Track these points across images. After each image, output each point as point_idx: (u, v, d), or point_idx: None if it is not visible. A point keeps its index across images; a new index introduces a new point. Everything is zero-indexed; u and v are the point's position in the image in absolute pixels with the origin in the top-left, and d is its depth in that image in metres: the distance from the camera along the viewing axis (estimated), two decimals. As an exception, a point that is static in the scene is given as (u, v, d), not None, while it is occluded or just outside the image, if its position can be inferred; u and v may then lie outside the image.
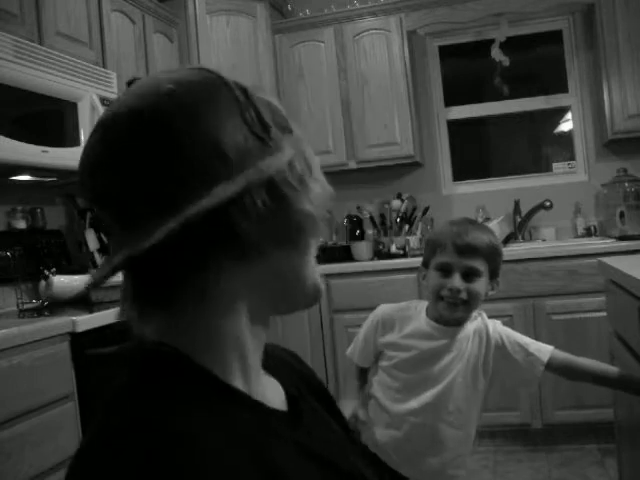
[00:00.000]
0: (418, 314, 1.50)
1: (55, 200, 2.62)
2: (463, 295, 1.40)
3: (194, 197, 0.49)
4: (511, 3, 3.22)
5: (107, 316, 1.92)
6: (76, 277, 2.34)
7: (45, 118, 2.16)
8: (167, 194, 0.50)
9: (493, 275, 1.45)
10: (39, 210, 2.46)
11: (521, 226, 3.40)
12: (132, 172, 0.50)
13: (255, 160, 0.52)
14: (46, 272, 2.27)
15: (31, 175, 2.27)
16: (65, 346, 1.75)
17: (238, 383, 0.55)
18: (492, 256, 1.43)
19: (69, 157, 2.20)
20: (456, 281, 1.39)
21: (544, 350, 1.44)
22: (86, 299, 2.24)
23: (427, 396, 1.41)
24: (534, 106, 3.55)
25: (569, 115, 3.53)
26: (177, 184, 0.50)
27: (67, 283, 2.28)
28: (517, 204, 3.39)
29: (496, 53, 3.41)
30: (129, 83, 0.61)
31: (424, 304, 1.53)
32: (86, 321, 1.82)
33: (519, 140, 3.73)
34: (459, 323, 1.45)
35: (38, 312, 2.12)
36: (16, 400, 1.56)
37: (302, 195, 0.56)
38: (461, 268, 1.40)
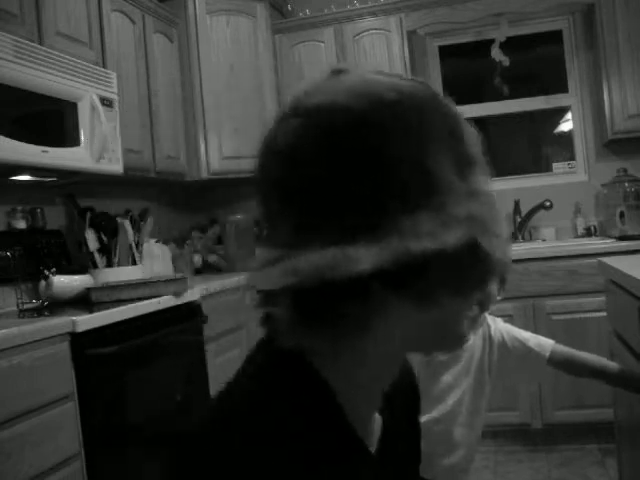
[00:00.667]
0: None
1: (55, 200, 2.62)
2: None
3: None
4: (511, 3, 3.22)
5: (107, 316, 1.92)
6: (76, 277, 2.34)
7: (45, 118, 2.16)
8: (378, 212, 0.45)
9: (502, 280, 1.45)
10: (39, 210, 2.46)
11: (521, 226, 3.40)
12: (349, 176, 0.45)
13: (459, 199, 0.47)
14: (46, 272, 2.27)
15: (31, 175, 2.27)
16: (65, 346, 1.75)
17: (357, 422, 0.53)
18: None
19: (69, 157, 2.20)
20: None
21: (545, 345, 1.43)
22: (86, 299, 2.24)
23: (444, 406, 1.40)
24: (534, 106, 3.55)
25: (569, 115, 3.53)
26: (389, 203, 0.45)
27: (67, 283, 2.28)
28: (517, 204, 3.39)
29: (496, 53, 3.41)
30: (335, 72, 0.52)
31: None
32: (86, 321, 1.82)
33: (519, 140, 3.73)
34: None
35: (38, 312, 2.12)
36: (16, 400, 1.56)
37: (496, 242, 0.49)
38: None
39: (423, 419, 1.36)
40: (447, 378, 1.41)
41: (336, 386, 0.50)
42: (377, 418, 0.59)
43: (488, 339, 1.45)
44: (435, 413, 1.39)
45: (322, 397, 0.50)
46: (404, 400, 0.67)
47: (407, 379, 0.70)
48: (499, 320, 1.50)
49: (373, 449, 0.56)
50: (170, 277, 2.50)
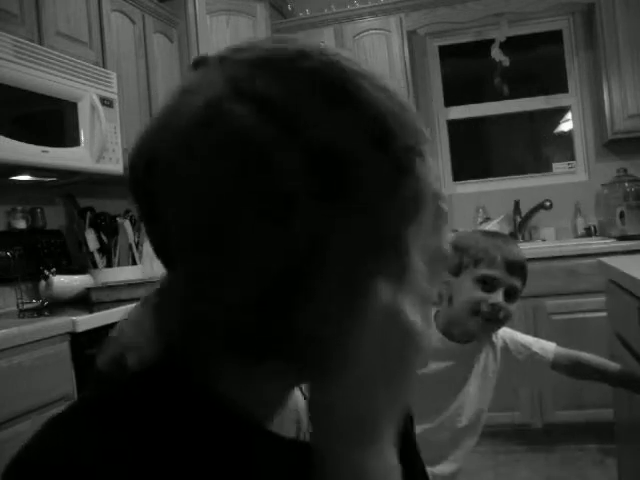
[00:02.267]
0: None
1: (55, 200, 2.62)
2: (502, 314, 1.31)
3: None
4: (511, 3, 3.22)
5: (107, 316, 1.92)
6: (76, 277, 2.34)
7: (45, 118, 2.16)
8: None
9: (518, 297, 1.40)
10: (39, 210, 2.46)
11: (521, 226, 3.40)
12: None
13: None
14: (46, 272, 2.27)
15: (31, 175, 2.27)
16: (65, 346, 1.75)
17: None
18: (526, 277, 1.36)
19: (69, 157, 2.20)
20: (500, 297, 1.30)
21: (548, 349, 1.42)
22: (86, 299, 2.24)
23: (443, 416, 1.36)
24: (534, 106, 3.55)
25: (569, 115, 3.53)
26: None
27: (67, 283, 2.28)
28: (517, 204, 3.39)
29: (496, 53, 3.41)
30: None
31: None
32: (86, 321, 1.82)
33: (519, 140, 3.73)
34: (471, 339, 1.37)
35: (38, 312, 2.12)
36: (16, 400, 1.56)
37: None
38: (507, 286, 1.31)
39: (422, 428, 1.30)
40: (446, 387, 1.37)
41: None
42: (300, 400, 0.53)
43: (490, 345, 1.43)
44: (429, 424, 1.35)
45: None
46: None
47: None
48: None
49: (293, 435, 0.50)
50: (170, 277, 2.50)
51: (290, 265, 0.38)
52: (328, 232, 0.38)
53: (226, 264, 0.39)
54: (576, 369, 1.43)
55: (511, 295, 1.32)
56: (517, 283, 1.32)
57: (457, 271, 1.35)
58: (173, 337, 0.45)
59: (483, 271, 1.31)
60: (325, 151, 0.38)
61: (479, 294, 1.31)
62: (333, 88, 0.39)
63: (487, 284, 1.31)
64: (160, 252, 0.44)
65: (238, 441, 0.44)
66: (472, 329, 1.34)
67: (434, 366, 1.34)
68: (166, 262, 0.44)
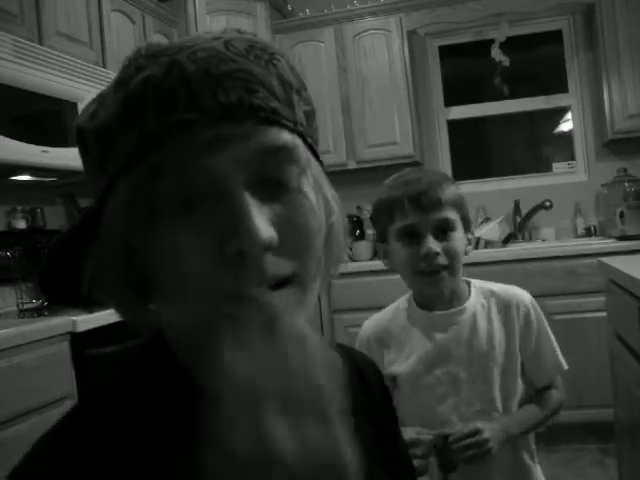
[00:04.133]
0: (407, 316, 1.26)
1: (55, 200, 2.62)
2: (442, 259, 1.13)
3: None
4: (511, 3, 3.22)
5: (107, 316, 1.91)
6: (76, 277, 2.33)
7: (45, 118, 2.16)
8: None
9: (466, 226, 1.20)
10: (39, 210, 2.46)
11: (521, 226, 3.40)
12: None
13: None
14: (46, 272, 2.27)
15: (31, 175, 2.27)
16: (65, 346, 1.75)
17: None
18: (459, 202, 1.18)
19: (69, 157, 2.20)
20: (429, 243, 1.12)
21: (558, 368, 1.28)
22: (86, 299, 2.24)
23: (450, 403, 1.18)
24: (534, 106, 3.55)
25: (569, 115, 3.53)
26: None
27: (67, 283, 2.28)
28: (517, 204, 3.39)
29: (496, 53, 3.41)
30: None
31: (405, 297, 1.29)
32: (86, 321, 1.82)
33: (519, 140, 3.73)
34: (452, 300, 1.20)
35: (38, 312, 2.12)
36: (16, 400, 1.56)
37: None
38: (431, 226, 1.13)
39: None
40: (450, 367, 1.19)
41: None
42: None
43: (502, 307, 1.23)
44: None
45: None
46: (363, 397, 0.62)
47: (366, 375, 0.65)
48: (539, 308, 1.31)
49: None
50: (170, 277, 2.50)
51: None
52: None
53: None
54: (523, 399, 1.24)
55: (443, 232, 1.14)
56: (443, 215, 1.13)
57: (383, 236, 1.21)
58: None
59: (397, 224, 1.15)
60: (96, 124, 0.45)
61: (407, 251, 1.15)
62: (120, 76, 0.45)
63: (409, 236, 1.15)
64: None
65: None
66: (426, 291, 1.19)
67: (426, 345, 1.20)
68: None
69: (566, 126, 3.57)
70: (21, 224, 2.37)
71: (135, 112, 0.42)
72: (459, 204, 1.18)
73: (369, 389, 0.65)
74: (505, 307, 1.24)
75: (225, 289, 0.41)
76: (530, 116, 3.64)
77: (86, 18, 2.44)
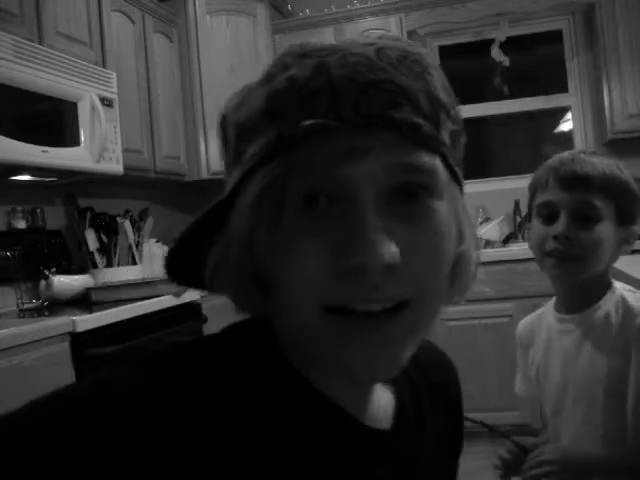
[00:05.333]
0: (547, 314, 1.14)
1: (55, 200, 2.62)
2: (574, 249, 0.99)
3: None
4: (511, 3, 3.22)
5: (107, 316, 1.92)
6: (76, 277, 2.34)
7: (45, 118, 2.16)
8: None
9: (624, 220, 1.03)
10: (39, 210, 2.46)
11: (521, 226, 3.40)
12: None
13: None
14: (46, 272, 2.27)
15: (31, 175, 2.27)
16: (65, 346, 1.75)
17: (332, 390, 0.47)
18: (617, 190, 1.01)
19: (69, 157, 2.20)
20: (561, 226, 0.99)
21: None
22: (86, 299, 2.24)
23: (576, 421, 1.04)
24: (534, 106, 3.55)
25: (569, 115, 3.53)
26: None
27: (67, 283, 2.28)
28: (517, 204, 3.39)
29: (496, 53, 3.41)
30: None
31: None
32: (86, 321, 1.82)
33: (519, 140, 3.73)
34: (583, 302, 1.06)
35: (38, 312, 2.12)
36: (16, 400, 1.55)
37: None
38: (570, 207, 1.00)
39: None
40: (577, 372, 1.06)
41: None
42: (386, 396, 0.53)
43: (628, 314, 1.04)
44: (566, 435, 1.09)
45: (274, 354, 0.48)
46: (444, 397, 0.62)
47: (445, 378, 0.64)
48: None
49: (379, 426, 0.51)
50: (170, 277, 2.50)
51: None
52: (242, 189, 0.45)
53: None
54: None
55: (583, 217, 1.00)
56: (586, 197, 0.99)
57: (529, 213, 1.12)
58: None
59: (538, 200, 1.05)
60: (237, 119, 0.45)
61: (540, 229, 1.04)
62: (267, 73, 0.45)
63: (547, 215, 1.04)
64: None
65: (321, 426, 0.46)
66: (551, 274, 1.06)
67: (552, 351, 1.09)
68: None
69: (566, 126, 3.57)
70: (21, 224, 2.37)
71: (276, 110, 0.41)
72: (616, 193, 1.01)
73: (451, 409, 0.63)
74: (630, 318, 1.03)
75: (335, 300, 0.41)
76: (530, 116, 3.63)
77: (86, 18, 2.44)
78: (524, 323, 1.22)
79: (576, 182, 1.00)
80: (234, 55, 3.34)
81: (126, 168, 2.49)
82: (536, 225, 1.06)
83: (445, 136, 0.44)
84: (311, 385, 0.47)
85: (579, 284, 1.05)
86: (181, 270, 0.51)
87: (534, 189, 1.08)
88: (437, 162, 0.43)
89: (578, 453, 1.05)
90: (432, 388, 0.59)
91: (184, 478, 0.38)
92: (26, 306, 2.22)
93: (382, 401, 0.53)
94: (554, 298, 1.16)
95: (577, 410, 1.05)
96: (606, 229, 1.01)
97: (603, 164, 1.02)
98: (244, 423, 0.42)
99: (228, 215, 0.45)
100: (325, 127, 0.40)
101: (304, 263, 0.41)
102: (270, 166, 0.41)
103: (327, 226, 0.41)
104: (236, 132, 0.45)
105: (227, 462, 0.40)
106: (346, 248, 0.39)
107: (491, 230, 3.25)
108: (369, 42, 0.43)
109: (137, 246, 2.69)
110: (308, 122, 0.40)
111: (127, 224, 2.65)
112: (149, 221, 2.84)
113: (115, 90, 2.45)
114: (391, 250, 0.39)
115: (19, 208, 2.38)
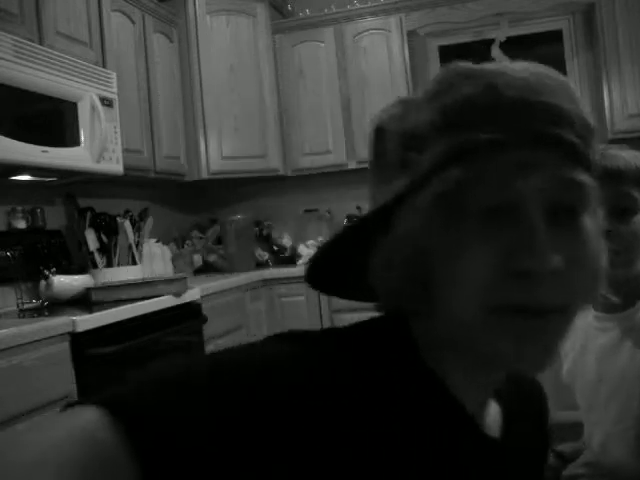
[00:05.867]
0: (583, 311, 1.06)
1: (55, 200, 2.62)
2: (613, 243, 0.91)
3: None
4: (511, 3, 3.22)
5: (107, 316, 1.92)
6: (76, 277, 2.34)
7: (45, 118, 2.16)
8: None
9: None
10: (39, 210, 2.46)
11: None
12: None
13: None
14: (46, 272, 2.27)
15: (31, 175, 2.27)
16: (65, 346, 1.75)
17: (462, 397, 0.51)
18: None
19: (69, 157, 2.20)
20: None
21: None
22: (86, 299, 2.24)
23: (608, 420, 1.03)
24: (534, 106, 3.55)
25: (569, 115, 3.53)
26: None
27: (67, 283, 2.28)
28: (517, 204, 3.39)
29: (496, 53, 3.41)
30: None
31: None
32: (86, 321, 1.82)
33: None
34: (631, 302, 1.01)
35: (38, 312, 2.12)
36: (16, 400, 1.55)
37: None
38: (606, 201, 0.99)
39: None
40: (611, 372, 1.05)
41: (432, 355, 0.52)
42: (494, 408, 0.58)
43: None
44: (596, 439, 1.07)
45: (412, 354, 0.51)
46: (531, 407, 0.69)
47: (533, 390, 0.71)
48: None
49: (491, 434, 0.55)
50: (170, 277, 2.51)
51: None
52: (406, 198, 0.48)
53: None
54: None
55: (626, 209, 0.97)
56: (622, 190, 0.97)
57: None
58: None
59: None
60: (410, 128, 0.48)
61: None
62: (434, 84, 0.50)
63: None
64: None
65: (447, 426, 0.50)
66: None
67: (588, 349, 1.07)
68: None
69: (566, 126, 3.57)
70: (21, 224, 2.37)
71: (453, 123, 0.46)
72: None
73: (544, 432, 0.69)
74: None
75: (504, 299, 0.44)
76: (530, 116, 3.63)
77: (86, 18, 2.44)
78: None
79: (610, 177, 0.97)
80: (234, 55, 3.34)
81: (126, 168, 2.49)
82: None
83: (594, 160, 0.49)
84: (443, 384, 0.50)
85: (621, 282, 1.01)
86: (324, 278, 0.55)
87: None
88: (589, 179, 0.47)
89: (611, 463, 1.04)
90: (525, 412, 0.64)
91: (315, 449, 0.43)
92: (26, 306, 2.22)
93: (492, 410, 0.57)
94: None
95: (610, 408, 1.04)
96: None
97: (633, 157, 1.02)
98: (374, 412, 0.46)
99: (390, 220, 0.49)
100: (500, 141, 0.44)
101: (476, 263, 0.45)
102: (448, 173, 0.45)
103: (498, 231, 0.45)
104: (402, 142, 0.49)
105: (354, 447, 0.44)
106: (520, 252, 0.44)
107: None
108: (525, 68, 0.48)
109: (137, 246, 2.69)
110: (486, 135, 0.44)
111: (127, 224, 2.65)
112: (149, 221, 2.84)
113: (115, 90, 2.45)
114: (558, 258, 0.44)
115: (19, 208, 2.38)
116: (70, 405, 0.42)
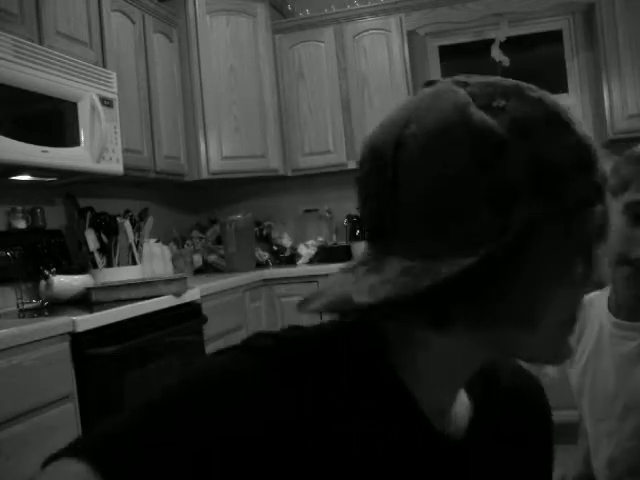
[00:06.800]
0: (598, 313, 1.04)
1: (55, 200, 2.62)
2: None
3: None
4: (511, 3, 3.22)
5: (107, 316, 1.92)
6: (76, 277, 2.34)
7: (45, 118, 2.16)
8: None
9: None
10: (39, 210, 2.46)
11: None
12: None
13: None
14: (46, 272, 2.27)
15: (31, 175, 2.27)
16: (65, 346, 1.75)
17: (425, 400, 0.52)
18: None
19: (69, 157, 2.20)
20: None
21: None
22: (86, 299, 2.24)
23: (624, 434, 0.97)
24: (534, 106, 3.55)
25: (569, 115, 3.53)
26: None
27: (67, 283, 2.28)
28: (517, 204, 3.39)
29: (496, 53, 3.41)
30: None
31: (606, 293, 1.04)
32: (86, 321, 1.82)
33: (519, 140, 3.73)
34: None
35: (38, 312, 2.12)
36: (16, 400, 1.56)
37: None
38: None
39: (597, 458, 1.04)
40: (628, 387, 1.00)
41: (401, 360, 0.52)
42: (465, 407, 0.57)
43: None
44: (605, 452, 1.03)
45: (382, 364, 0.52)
46: (531, 403, 0.68)
47: (525, 410, 0.66)
48: None
49: (453, 434, 0.55)
50: (170, 277, 2.50)
51: (498, 251, 0.44)
52: (537, 228, 0.45)
53: (449, 243, 0.45)
54: None
55: None
56: None
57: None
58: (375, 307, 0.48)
59: (628, 197, 0.94)
60: (548, 161, 0.46)
61: (624, 231, 0.93)
62: (554, 115, 0.48)
63: (635, 216, 0.93)
64: (375, 228, 0.50)
65: (406, 432, 0.51)
66: (621, 286, 0.96)
67: (603, 359, 1.02)
68: (377, 237, 0.50)
69: (566, 126, 3.57)
70: (21, 224, 2.37)
71: (587, 164, 0.48)
72: None
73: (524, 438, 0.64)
74: None
75: None
76: (530, 116, 3.63)
77: (86, 18, 2.44)
78: None
79: None
80: (234, 55, 3.34)
81: (126, 168, 2.49)
82: (619, 225, 0.95)
83: None
84: (409, 397, 0.51)
85: None
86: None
87: (626, 185, 0.97)
88: None
89: None
90: (507, 413, 0.62)
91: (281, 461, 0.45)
92: (26, 306, 2.22)
93: (460, 409, 0.57)
94: (605, 295, 1.05)
95: (626, 422, 0.98)
96: None
97: None
98: (331, 414, 0.48)
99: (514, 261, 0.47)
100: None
101: None
102: (599, 207, 0.48)
103: None
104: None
105: (312, 451, 0.46)
106: None
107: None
108: None
109: (137, 246, 2.69)
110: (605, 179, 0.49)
111: (127, 224, 2.65)
112: (149, 221, 2.84)
113: (115, 90, 2.45)
114: None
115: (19, 208, 2.38)
116: (52, 458, 0.43)
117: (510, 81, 0.50)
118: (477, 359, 0.54)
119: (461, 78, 0.50)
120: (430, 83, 0.52)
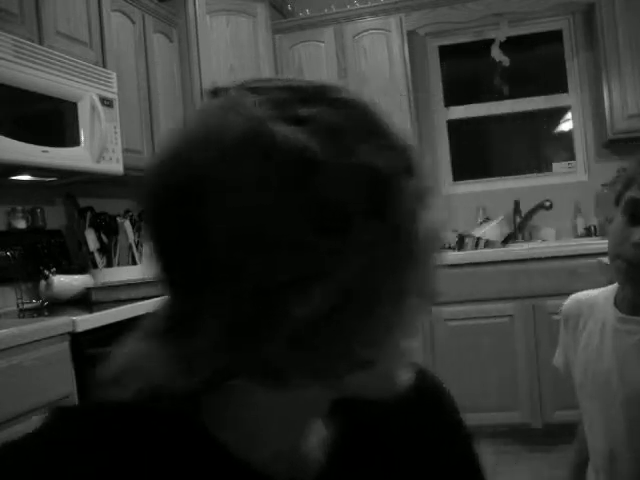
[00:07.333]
0: (603, 306, 1.05)
1: (55, 200, 2.62)
2: None
3: None
4: (511, 3, 3.22)
5: (107, 316, 1.92)
6: (76, 277, 2.34)
7: (45, 118, 2.16)
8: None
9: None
10: (39, 210, 2.46)
11: (521, 226, 3.40)
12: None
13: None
14: (46, 272, 2.27)
15: (31, 175, 2.27)
16: (65, 346, 1.75)
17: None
18: None
19: (69, 157, 2.20)
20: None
21: None
22: (86, 299, 2.24)
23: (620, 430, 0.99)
24: (534, 106, 3.55)
25: (569, 115, 3.53)
26: None
27: (67, 283, 2.28)
28: (517, 204, 3.39)
29: (496, 53, 3.42)
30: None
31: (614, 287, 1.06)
32: (86, 321, 1.82)
33: (519, 140, 3.73)
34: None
35: (38, 312, 2.12)
36: (16, 400, 1.56)
37: None
38: None
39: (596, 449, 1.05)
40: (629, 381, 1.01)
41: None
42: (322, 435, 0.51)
43: None
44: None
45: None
46: (442, 416, 0.60)
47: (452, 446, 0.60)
48: None
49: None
50: (170, 277, 2.50)
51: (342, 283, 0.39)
52: (375, 248, 0.40)
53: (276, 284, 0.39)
54: None
55: None
56: None
57: (617, 203, 1.01)
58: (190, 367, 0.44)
59: (629, 193, 0.95)
60: (374, 173, 0.40)
61: (621, 228, 0.95)
62: (371, 120, 0.43)
63: (632, 215, 0.94)
64: (183, 279, 0.45)
65: None
66: (616, 279, 0.99)
67: (604, 351, 1.03)
68: (187, 288, 0.45)
69: (566, 126, 3.57)
70: (21, 224, 2.37)
71: (411, 170, 0.42)
72: None
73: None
74: None
75: None
76: (530, 116, 3.63)
77: (86, 18, 2.44)
78: (573, 302, 1.13)
79: None
80: (234, 55, 3.34)
81: (126, 168, 2.49)
82: (618, 221, 0.97)
83: None
84: (215, 443, 0.46)
85: None
86: None
87: (629, 183, 0.97)
88: None
89: None
90: (392, 429, 0.56)
91: None
92: (26, 306, 2.22)
93: (312, 447, 0.50)
94: (611, 289, 1.07)
95: (626, 415, 1.00)
96: None
97: None
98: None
99: None
100: None
101: None
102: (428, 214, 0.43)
103: None
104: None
105: None
106: None
107: (491, 230, 3.25)
108: None
109: (137, 246, 2.69)
110: None
111: (127, 224, 2.65)
112: (149, 221, 2.83)
113: (115, 90, 2.45)
114: None
115: (19, 208, 2.38)
116: None
117: (313, 83, 0.44)
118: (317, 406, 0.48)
119: (252, 84, 0.43)
120: (216, 92, 0.45)
